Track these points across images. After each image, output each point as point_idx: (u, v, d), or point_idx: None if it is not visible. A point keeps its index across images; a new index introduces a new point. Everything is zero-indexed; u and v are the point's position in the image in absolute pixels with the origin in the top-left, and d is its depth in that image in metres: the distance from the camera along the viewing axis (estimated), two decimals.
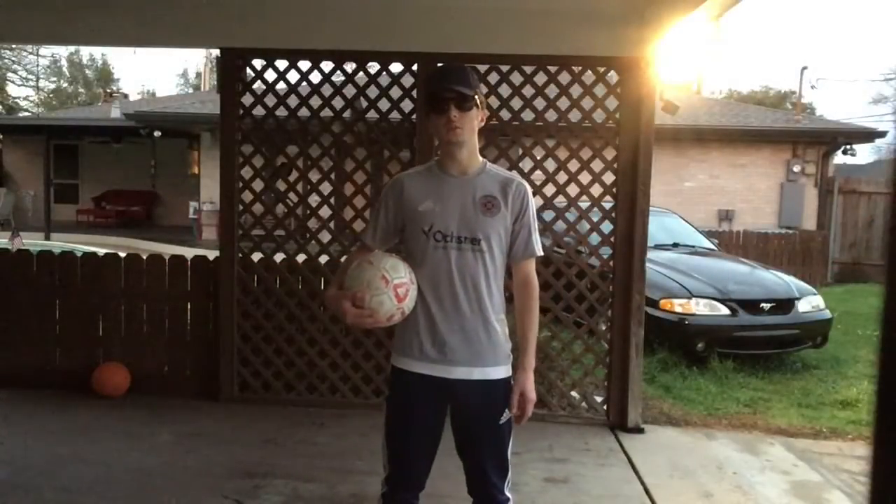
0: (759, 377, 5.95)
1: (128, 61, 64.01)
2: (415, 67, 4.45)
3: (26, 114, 33.23)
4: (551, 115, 4.41)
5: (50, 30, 4.62)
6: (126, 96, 26.00)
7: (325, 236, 4.74)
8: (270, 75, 4.67)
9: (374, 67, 4.69)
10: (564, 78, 4.38)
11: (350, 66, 4.67)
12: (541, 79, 4.36)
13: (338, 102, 4.60)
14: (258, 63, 4.62)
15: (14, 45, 31.74)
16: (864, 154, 29.66)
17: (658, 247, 7.18)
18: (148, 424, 4.22)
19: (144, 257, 4.96)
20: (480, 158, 2.20)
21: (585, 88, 4.39)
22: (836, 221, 13.66)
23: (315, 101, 4.58)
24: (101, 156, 19.92)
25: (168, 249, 11.94)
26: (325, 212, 4.74)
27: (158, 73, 68.53)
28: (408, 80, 4.53)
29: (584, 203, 4.53)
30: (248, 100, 4.61)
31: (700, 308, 6.29)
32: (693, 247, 7.84)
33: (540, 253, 2.20)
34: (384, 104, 4.60)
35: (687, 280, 6.51)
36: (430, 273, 2.10)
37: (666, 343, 6.19)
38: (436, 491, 2.36)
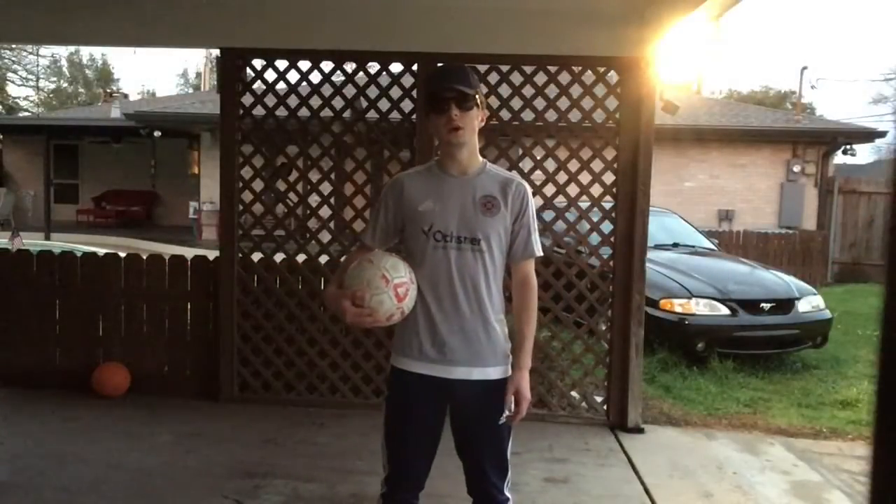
0: (759, 377, 5.95)
1: (128, 61, 64.09)
2: (415, 67, 4.45)
3: (26, 114, 33.24)
4: (551, 115, 4.41)
5: (50, 30, 4.62)
6: (126, 96, 26.00)
7: (325, 236, 4.74)
8: (270, 75, 4.67)
9: (374, 67, 4.69)
10: (564, 78, 4.38)
11: (350, 66, 4.67)
12: (541, 79, 4.36)
13: (338, 102, 4.60)
14: (258, 63, 4.62)
15: (14, 45, 31.74)
16: (864, 154, 29.67)
17: (658, 247, 7.18)
18: (148, 424, 4.22)
19: (144, 257, 4.96)
20: (480, 158, 2.20)
21: (585, 88, 4.39)
22: (836, 221, 13.66)
23: (315, 101, 4.58)
24: (101, 156, 19.92)
25: (168, 249, 11.94)
26: (325, 212, 4.74)
27: (158, 73, 68.61)
28: (408, 80, 4.53)
29: (584, 203, 4.53)
30: (248, 100, 4.61)
31: (700, 308, 6.29)
32: (693, 247, 7.84)
33: (539, 253, 2.20)
34: (384, 104, 4.60)
35: (687, 280, 6.51)
36: (430, 273, 2.10)
37: (666, 343, 6.19)
38: (436, 491, 2.36)
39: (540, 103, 4.39)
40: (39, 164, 18.07)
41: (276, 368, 4.62)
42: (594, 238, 4.57)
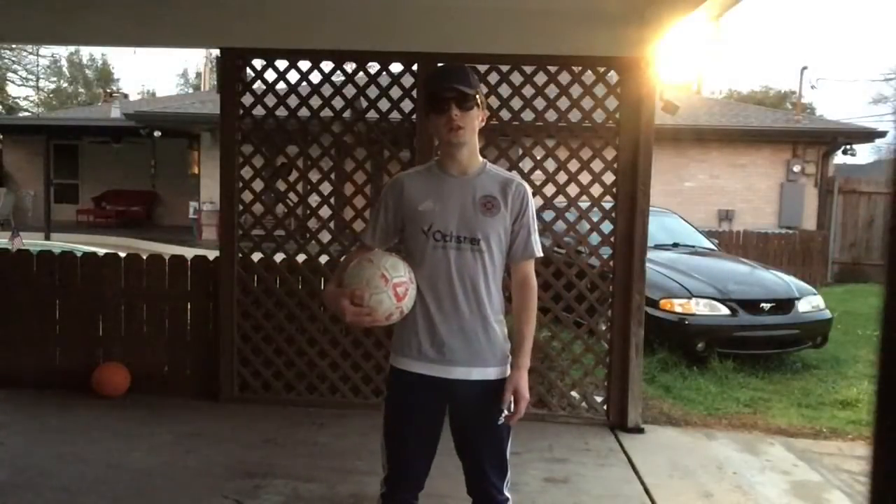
0: (759, 377, 5.95)
1: (128, 61, 64.10)
2: (415, 67, 4.45)
3: (26, 114, 33.24)
4: (551, 115, 4.41)
5: (50, 30, 4.62)
6: (126, 96, 26.01)
7: (325, 236, 4.74)
8: (270, 75, 4.67)
9: (374, 67, 4.69)
10: (564, 78, 4.38)
11: (350, 66, 4.67)
12: (541, 79, 4.36)
13: (338, 102, 4.60)
14: (258, 63, 4.62)
15: (14, 45, 31.74)
16: (864, 154, 29.68)
17: (658, 247, 7.18)
18: (148, 424, 4.22)
19: (144, 257, 4.96)
20: (481, 159, 2.20)
21: (585, 88, 4.39)
22: (836, 221, 13.66)
23: (315, 101, 4.58)
24: (101, 156, 19.92)
25: (168, 249, 11.94)
26: (325, 212, 4.74)
27: (158, 73, 68.61)
28: (408, 80, 4.53)
29: (584, 203, 4.53)
30: (248, 100, 4.61)
31: (700, 308, 6.29)
32: (693, 247, 7.84)
33: (539, 254, 2.20)
34: (384, 104, 4.60)
35: (687, 280, 6.51)
36: (430, 273, 2.10)
37: (666, 343, 6.19)
38: (435, 491, 2.36)
39: (540, 103, 4.39)
40: (39, 164, 18.07)
41: (276, 368, 4.62)
42: (594, 238, 4.57)
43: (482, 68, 4.32)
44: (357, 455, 3.78)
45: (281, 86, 4.70)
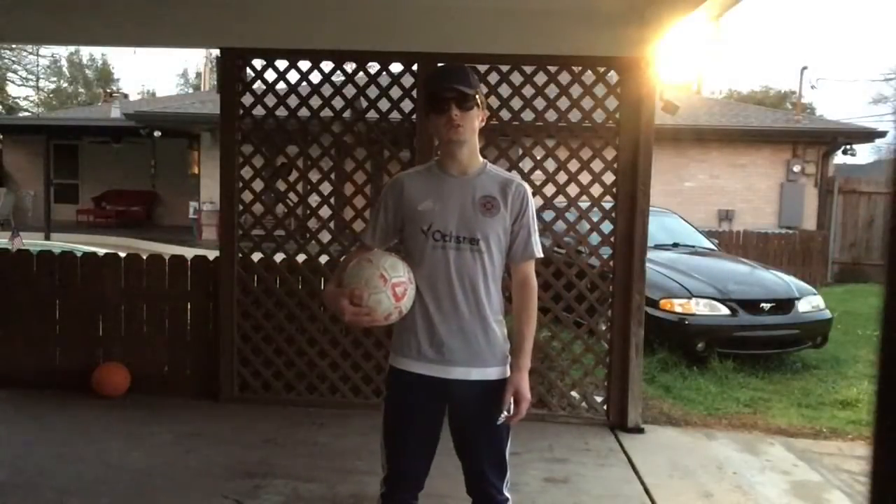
0: (759, 377, 5.95)
1: (128, 61, 64.07)
2: (415, 67, 4.45)
3: (26, 114, 33.25)
4: (551, 115, 4.41)
5: (50, 30, 4.62)
6: (126, 96, 26.01)
7: (325, 236, 4.74)
8: (270, 75, 4.67)
9: (374, 67, 4.69)
10: (564, 78, 4.38)
11: (350, 66, 4.67)
12: (541, 79, 4.36)
13: (338, 102, 4.60)
14: (258, 63, 4.62)
15: (14, 45, 31.74)
16: (864, 154, 29.67)
17: (658, 247, 7.18)
18: (148, 424, 4.22)
19: (144, 257, 4.96)
20: (481, 159, 2.20)
21: (585, 88, 4.39)
22: (836, 221, 13.66)
23: (315, 101, 4.58)
24: (101, 156, 19.92)
25: (168, 249, 11.94)
26: (325, 212, 4.74)
27: (158, 73, 68.61)
28: (408, 80, 4.53)
29: (584, 203, 4.53)
30: (248, 100, 4.61)
31: (700, 308, 6.29)
32: (693, 247, 7.84)
33: (540, 255, 2.20)
34: (384, 104, 4.60)
35: (687, 280, 6.51)
36: (429, 273, 2.09)
37: (666, 343, 6.19)
38: (435, 491, 2.36)
39: (540, 103, 4.39)
40: (39, 164, 18.07)
41: (276, 368, 4.62)
42: (594, 238, 4.57)
43: (482, 68, 4.32)
44: (357, 455, 3.78)
45: (281, 86, 4.70)
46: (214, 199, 13.13)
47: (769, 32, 60.99)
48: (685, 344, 6.16)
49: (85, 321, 4.83)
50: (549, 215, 4.57)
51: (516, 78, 4.37)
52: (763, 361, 6.28)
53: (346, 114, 4.70)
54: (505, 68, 4.36)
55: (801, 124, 15.41)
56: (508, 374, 2.14)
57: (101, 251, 5.21)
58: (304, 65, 4.62)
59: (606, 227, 4.46)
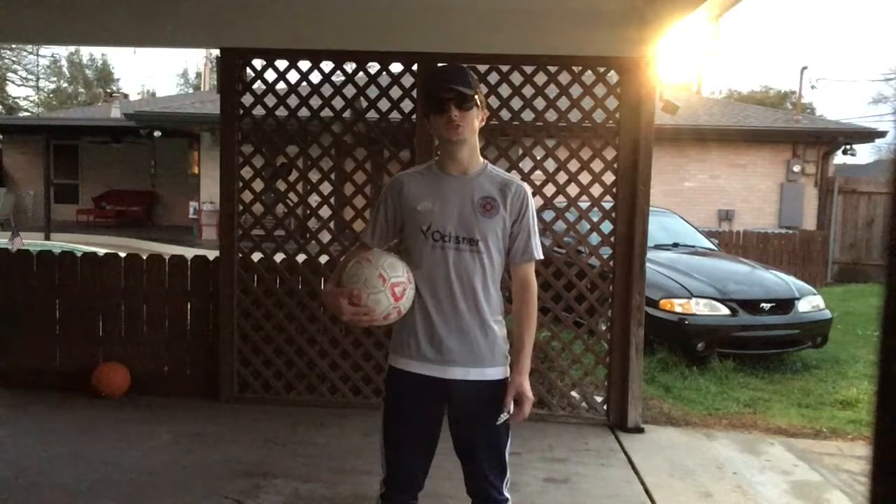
0: (759, 377, 5.95)
1: (128, 61, 64.19)
2: (415, 67, 4.45)
3: (26, 114, 33.25)
4: (551, 115, 4.41)
5: (50, 30, 4.62)
6: (126, 96, 26.01)
7: (325, 236, 4.74)
8: (270, 75, 4.67)
9: (374, 67, 4.69)
10: (564, 78, 4.38)
11: (350, 66, 4.67)
12: (541, 79, 4.36)
13: (338, 102, 4.60)
14: (258, 63, 4.62)
15: (14, 45, 31.74)
16: (864, 154, 29.70)
17: (658, 247, 7.19)
18: (148, 424, 4.22)
19: (144, 257, 4.96)
20: (481, 159, 2.20)
21: (585, 88, 4.39)
22: (836, 221, 13.67)
23: (315, 101, 4.58)
24: (101, 156, 19.93)
25: (168, 249, 11.95)
26: (325, 212, 4.74)
27: (158, 73, 68.59)
28: (408, 80, 4.53)
29: (584, 203, 4.53)
30: (248, 100, 4.61)
31: (700, 308, 6.29)
32: (693, 247, 7.84)
33: (539, 256, 2.19)
34: (384, 104, 4.60)
35: (687, 280, 6.51)
36: (428, 273, 2.09)
37: (666, 343, 6.19)
38: (435, 491, 2.36)
39: (540, 103, 4.39)
40: (39, 164, 18.07)
41: (276, 368, 4.62)
42: (594, 238, 4.57)
43: (482, 68, 4.33)
44: (357, 455, 3.78)
45: (281, 86, 4.70)
46: (214, 199, 13.13)
47: (769, 32, 61.03)
48: (685, 344, 6.16)
49: (85, 321, 4.83)
50: (549, 215, 4.57)
51: (516, 78, 4.37)
52: (763, 361, 6.28)
53: (346, 114, 4.70)
54: (505, 68, 4.36)
55: (801, 124, 15.41)
56: (508, 374, 2.14)
57: (101, 251, 5.21)
58: (304, 65, 4.62)
59: (606, 227, 4.46)
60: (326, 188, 4.66)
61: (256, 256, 4.71)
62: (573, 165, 4.46)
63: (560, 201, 4.56)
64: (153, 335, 4.79)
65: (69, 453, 3.75)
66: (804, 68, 23.52)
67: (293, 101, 4.61)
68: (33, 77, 37.79)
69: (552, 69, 4.35)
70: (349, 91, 4.64)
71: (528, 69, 4.35)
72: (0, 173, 20.52)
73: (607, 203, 4.46)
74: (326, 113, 4.62)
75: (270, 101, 4.63)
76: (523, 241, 2.15)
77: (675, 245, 7.67)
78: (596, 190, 4.44)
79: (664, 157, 12.90)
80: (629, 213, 4.34)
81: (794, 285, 6.75)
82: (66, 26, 4.51)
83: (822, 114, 30.85)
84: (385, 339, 4.24)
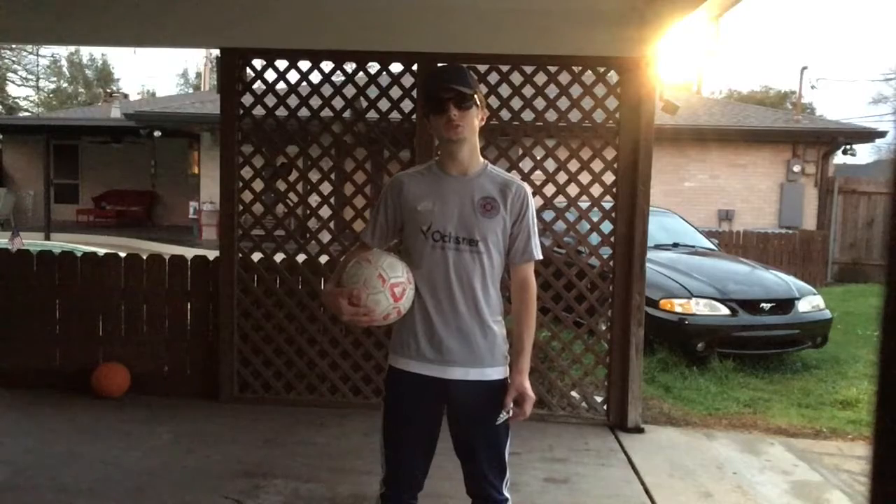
0: (759, 377, 5.95)
1: (128, 61, 64.20)
2: (415, 67, 4.45)
3: (26, 114, 33.26)
4: (551, 115, 4.41)
5: (50, 30, 4.62)
6: (126, 96, 26.02)
7: (325, 236, 4.74)
8: (270, 75, 4.67)
9: (374, 67, 4.69)
10: (564, 78, 4.38)
11: (350, 66, 4.67)
12: (541, 79, 4.36)
13: (338, 102, 4.60)
14: (258, 63, 4.62)
15: (14, 45, 31.74)
16: (864, 154, 29.70)
17: (658, 247, 7.19)
18: (148, 424, 4.22)
19: (144, 257, 4.96)
20: (482, 160, 2.20)
21: (585, 88, 4.39)
22: (836, 221, 13.67)
23: (315, 101, 4.58)
24: (101, 156, 19.93)
25: (168, 249, 11.95)
26: (325, 212, 4.74)
27: (158, 73, 68.60)
28: (408, 80, 4.53)
29: (584, 203, 4.53)
30: (248, 100, 4.61)
31: (700, 308, 6.29)
32: (693, 247, 7.84)
33: (539, 257, 2.19)
34: (384, 104, 4.60)
35: (687, 280, 6.51)
36: (428, 273, 2.09)
37: (666, 343, 6.19)
38: (435, 491, 2.36)
39: (540, 103, 4.39)
40: (39, 164, 18.07)
41: (276, 368, 4.62)
42: (594, 238, 4.57)
43: (482, 68, 4.33)
44: (357, 455, 3.78)
45: (281, 86, 4.70)
46: (214, 199, 13.13)
47: (769, 32, 61.04)
48: (685, 344, 6.16)
49: (85, 321, 4.83)
50: (549, 215, 4.57)
51: (516, 78, 4.37)
52: (763, 361, 6.28)
53: (346, 114, 4.70)
54: (505, 68, 4.36)
55: (801, 124, 15.41)
56: (507, 374, 2.14)
57: (101, 251, 5.21)
58: (304, 65, 4.62)
59: (606, 227, 4.46)
60: (326, 188, 4.66)
61: (256, 256, 4.71)
62: (573, 165, 4.46)
63: (560, 201, 4.56)
64: (153, 335, 4.79)
65: (69, 453, 3.75)
66: (804, 68, 23.55)
67: (293, 101, 4.61)
68: (33, 77, 37.83)
69: (552, 69, 4.35)
70: (349, 91, 4.64)
71: (528, 69, 4.35)
72: (0, 173, 20.52)
73: (607, 203, 4.46)
74: (326, 113, 4.62)
75: (270, 101, 4.63)
76: (523, 242, 2.15)
77: (675, 245, 7.67)
78: (596, 190, 4.43)
79: (664, 157, 12.90)
80: (629, 213, 4.34)
81: (794, 285, 6.76)
82: (66, 26, 4.51)
83: (822, 114, 30.88)
84: (385, 339, 4.24)
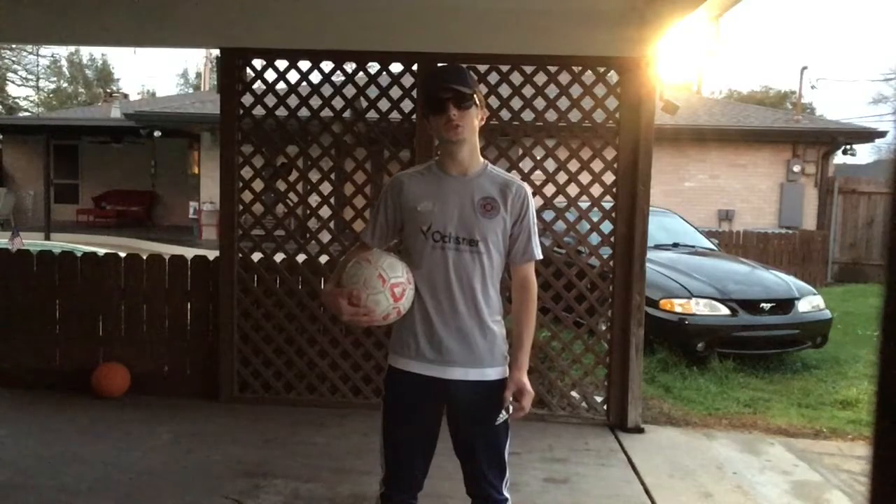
0: (759, 377, 5.95)
1: (128, 61, 64.22)
2: (415, 67, 4.45)
3: (26, 114, 33.26)
4: (551, 115, 4.41)
5: (50, 30, 4.62)
6: (126, 96, 26.02)
7: (325, 236, 4.74)
8: (270, 75, 4.67)
9: (374, 67, 4.69)
10: (564, 78, 4.38)
11: (350, 66, 4.67)
12: (541, 79, 4.36)
13: (338, 102, 4.60)
14: (258, 63, 4.62)
15: (14, 45, 31.74)
16: (864, 154, 29.72)
17: (658, 247, 7.18)
18: (148, 424, 4.22)
19: (144, 257, 4.96)
20: (482, 160, 2.19)
21: (585, 88, 4.39)
22: (836, 221, 13.67)
23: (315, 101, 4.58)
24: (101, 156, 19.93)
25: (168, 249, 11.95)
26: (325, 212, 4.74)
27: (158, 73, 68.61)
28: (408, 80, 4.53)
29: (584, 203, 4.53)
30: (248, 100, 4.61)
31: (700, 308, 6.29)
32: (693, 247, 7.84)
33: (539, 257, 2.19)
34: (384, 104, 4.60)
35: (687, 280, 6.51)
36: (428, 273, 2.09)
37: (666, 343, 6.19)
38: (435, 491, 2.36)
39: (540, 103, 4.39)
40: (39, 164, 18.07)
41: (276, 368, 4.62)
42: (594, 238, 4.57)
43: (482, 68, 4.33)
44: (357, 455, 3.78)
45: (281, 86, 4.70)
46: (214, 199, 13.13)
47: (769, 32, 61.05)
48: (685, 344, 6.16)
49: (85, 321, 4.83)
50: (549, 215, 4.57)
51: (516, 78, 4.37)
52: (763, 361, 6.28)
53: (346, 114, 4.70)
54: (505, 68, 4.36)
55: (801, 124, 15.41)
56: (507, 374, 2.14)
57: (101, 251, 5.21)
58: (304, 65, 4.62)
59: (606, 227, 4.46)
60: (326, 188, 4.66)
61: (256, 256, 4.71)
62: (573, 165, 4.46)
63: (560, 201, 4.56)
64: (153, 335, 4.79)
65: (69, 453, 3.75)
66: (804, 68, 23.56)
67: (293, 101, 4.61)
68: (33, 77, 37.84)
69: (552, 69, 4.35)
70: (349, 91, 4.64)
71: (528, 69, 4.35)
72: (0, 173, 20.52)
73: (607, 203, 4.46)
74: (326, 113, 4.62)
75: (270, 101, 4.63)
76: (523, 242, 2.15)
77: (675, 245, 7.67)
78: (596, 190, 4.43)
79: (664, 157, 12.89)
80: (629, 213, 4.34)
81: (794, 285, 6.76)
82: (66, 26, 4.51)
83: (822, 114, 30.88)
84: (385, 339, 4.24)
